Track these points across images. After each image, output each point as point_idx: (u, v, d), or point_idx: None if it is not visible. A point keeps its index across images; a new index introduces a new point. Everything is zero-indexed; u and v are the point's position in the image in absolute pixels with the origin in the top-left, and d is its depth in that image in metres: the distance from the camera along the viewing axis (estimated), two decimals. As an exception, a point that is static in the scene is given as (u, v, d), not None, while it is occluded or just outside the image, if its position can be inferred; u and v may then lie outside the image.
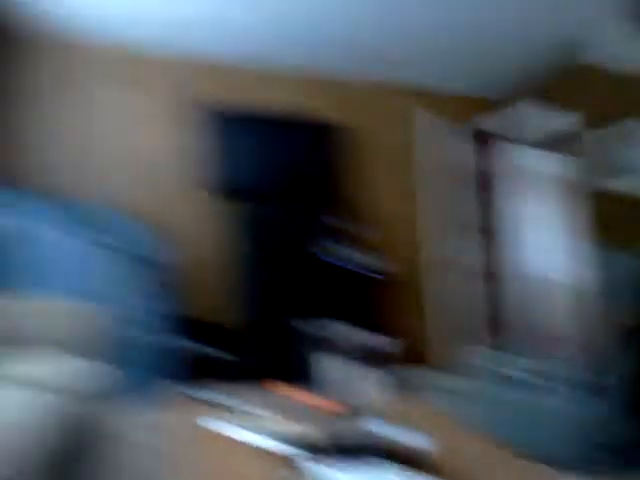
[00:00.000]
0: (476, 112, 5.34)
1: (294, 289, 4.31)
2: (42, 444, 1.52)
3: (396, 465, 1.35)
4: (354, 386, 1.57)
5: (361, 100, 4.99)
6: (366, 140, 4.97)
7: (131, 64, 4.48)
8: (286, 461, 1.38)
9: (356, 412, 1.58)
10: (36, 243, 3.41)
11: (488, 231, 5.26)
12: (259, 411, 1.76)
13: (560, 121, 4.70)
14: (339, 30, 4.07)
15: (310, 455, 1.39)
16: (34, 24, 4.09)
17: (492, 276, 5.20)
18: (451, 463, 1.42)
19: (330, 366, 1.59)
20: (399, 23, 3.93)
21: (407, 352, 4.80)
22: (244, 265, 4.31)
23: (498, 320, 5.15)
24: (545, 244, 5.19)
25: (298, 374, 4.13)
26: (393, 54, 4.45)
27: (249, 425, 1.63)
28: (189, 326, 4.36)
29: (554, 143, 5.00)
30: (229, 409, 1.79)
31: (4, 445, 1.37)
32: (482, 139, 5.31)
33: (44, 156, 4.26)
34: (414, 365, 4.77)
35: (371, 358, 1.62)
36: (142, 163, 4.43)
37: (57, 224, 3.47)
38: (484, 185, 5.29)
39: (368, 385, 1.57)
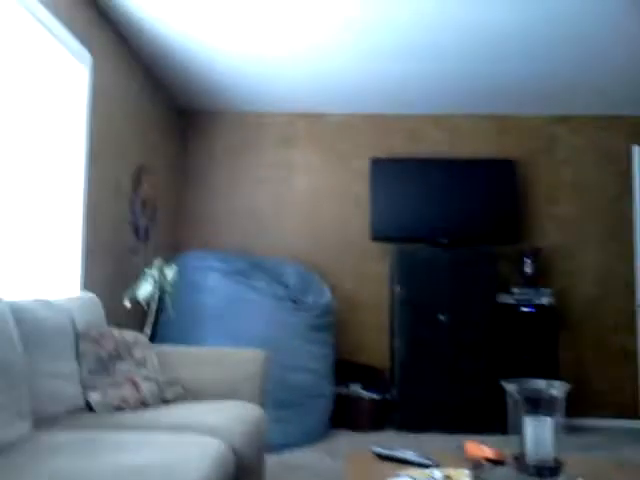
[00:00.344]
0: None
1: (461, 329, 4.24)
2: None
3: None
4: (544, 441, 1.53)
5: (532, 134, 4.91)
6: (536, 174, 4.87)
7: (305, 125, 4.93)
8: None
9: (547, 469, 1.54)
10: (210, 294, 3.61)
11: None
12: (433, 463, 1.80)
13: None
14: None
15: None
16: (213, 101, 4.72)
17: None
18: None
19: (522, 420, 1.55)
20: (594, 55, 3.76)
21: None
22: (403, 307, 4.28)
23: None
24: None
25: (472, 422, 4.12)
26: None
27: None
28: (349, 369, 4.41)
29: None
30: (407, 462, 1.83)
31: None
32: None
33: (225, 218, 4.87)
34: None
35: (551, 407, 1.56)
36: (314, 214, 4.86)
37: (229, 276, 3.67)
38: None
39: (555, 440, 1.54)
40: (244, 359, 2.64)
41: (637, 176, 4.75)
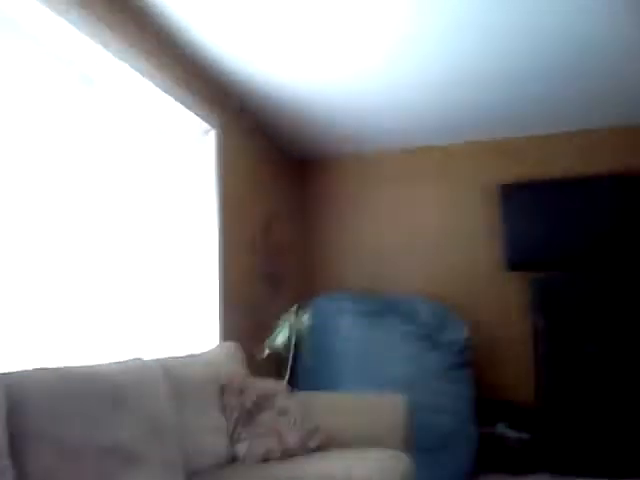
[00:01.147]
0: None
1: (613, 360, 3.91)
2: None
3: None
4: None
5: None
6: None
7: (425, 158, 4.90)
8: None
9: None
10: (344, 337, 3.75)
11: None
12: None
13: None
14: None
15: None
16: (331, 145, 4.85)
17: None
18: None
19: None
20: None
21: None
22: (547, 339, 4.06)
23: None
24: None
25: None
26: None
27: None
28: (493, 408, 4.32)
29: None
30: None
31: None
32: None
33: (352, 259, 4.91)
34: None
35: None
36: (442, 248, 4.78)
37: (358, 318, 3.78)
38: None
39: None
40: (385, 404, 2.58)
41: None
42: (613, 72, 3.56)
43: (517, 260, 4.35)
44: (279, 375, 3.69)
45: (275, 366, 3.82)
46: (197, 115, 3.11)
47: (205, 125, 3.22)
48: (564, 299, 4.00)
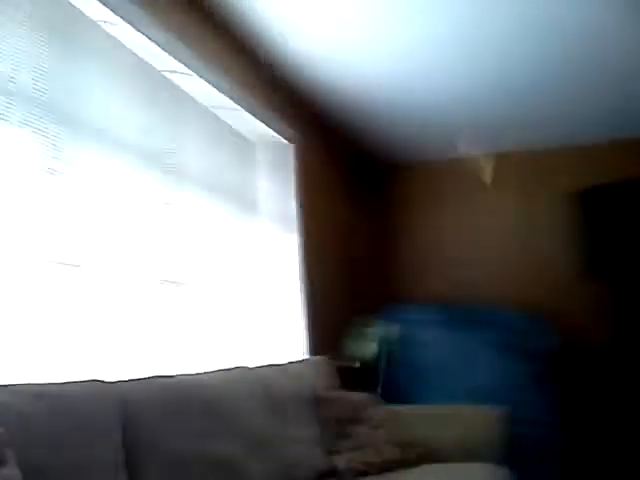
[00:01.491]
0: None
1: None
2: None
3: None
4: None
5: None
6: None
7: (503, 164, 4.76)
8: None
9: None
10: (430, 348, 3.75)
11: None
12: None
13: None
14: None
15: None
16: (409, 152, 4.79)
17: None
18: None
19: None
20: None
21: None
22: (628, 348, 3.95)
23: None
24: None
25: None
26: None
27: None
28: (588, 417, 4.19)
29: None
30: None
31: None
32: None
33: (433, 268, 4.82)
34: None
35: None
36: (522, 255, 4.66)
37: (441, 328, 3.77)
38: None
39: None
40: (479, 417, 2.51)
41: None
42: None
43: (598, 266, 4.13)
44: (366, 388, 3.66)
45: (362, 378, 3.79)
46: (276, 130, 3.14)
47: (283, 137, 3.25)
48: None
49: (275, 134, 3.18)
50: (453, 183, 4.86)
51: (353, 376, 3.63)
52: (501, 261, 4.65)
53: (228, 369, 2.07)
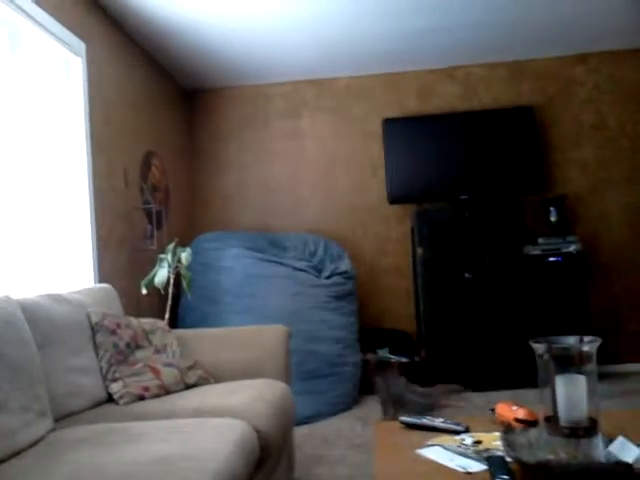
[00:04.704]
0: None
1: (487, 285, 4.13)
2: (232, 471, 1.55)
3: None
4: (577, 400, 1.46)
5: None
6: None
7: (313, 92, 4.80)
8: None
9: (581, 429, 1.47)
10: (228, 273, 3.61)
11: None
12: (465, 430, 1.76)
13: None
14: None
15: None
16: (216, 78, 4.62)
17: None
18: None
19: (552, 380, 1.48)
20: None
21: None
22: (427, 268, 4.18)
23: None
24: None
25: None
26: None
27: (455, 447, 1.62)
28: (377, 336, 4.39)
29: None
30: (436, 429, 1.79)
31: (200, 473, 1.41)
32: None
33: (238, 195, 4.78)
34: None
35: (583, 363, 1.48)
36: (330, 182, 4.76)
37: (246, 253, 3.65)
38: None
39: (588, 395, 1.46)
40: (266, 336, 2.59)
41: (661, 110, 4.53)
42: (495, 6, 3.62)
43: (399, 193, 4.47)
44: (161, 315, 3.63)
45: (159, 305, 3.74)
46: (60, 39, 2.84)
47: (71, 49, 2.96)
48: (443, 230, 4.17)
49: (63, 46, 2.87)
50: (262, 110, 4.84)
51: (148, 304, 3.57)
52: (307, 190, 4.78)
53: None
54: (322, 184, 4.77)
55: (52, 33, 2.78)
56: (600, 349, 1.55)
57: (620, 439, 1.44)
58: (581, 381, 1.50)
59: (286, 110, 4.81)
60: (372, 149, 4.74)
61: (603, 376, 4.20)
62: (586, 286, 4.16)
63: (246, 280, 3.66)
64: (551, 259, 4.15)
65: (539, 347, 1.55)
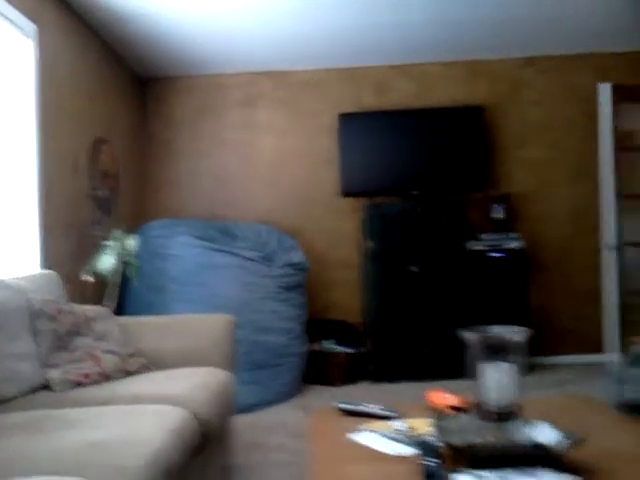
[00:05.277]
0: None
1: (431, 279, 4.22)
2: (168, 456, 1.56)
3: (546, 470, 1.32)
4: (504, 387, 1.51)
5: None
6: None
7: (268, 84, 4.77)
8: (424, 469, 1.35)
9: (507, 414, 1.53)
10: (176, 261, 3.55)
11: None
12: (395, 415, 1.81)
13: None
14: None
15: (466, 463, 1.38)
16: (171, 66, 4.57)
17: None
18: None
19: (480, 367, 1.54)
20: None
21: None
22: (375, 261, 4.23)
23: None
24: None
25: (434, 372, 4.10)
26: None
27: (388, 432, 1.66)
28: (323, 327, 4.40)
29: None
30: (371, 415, 1.83)
31: (134, 458, 1.42)
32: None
33: (190, 184, 4.76)
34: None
35: (511, 352, 1.54)
36: (283, 175, 4.75)
37: (195, 242, 3.60)
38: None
39: (514, 383, 1.52)
40: (210, 325, 2.60)
41: (603, 114, 4.71)
42: (450, 5, 3.69)
43: (351, 187, 4.52)
44: (108, 302, 3.58)
45: (103, 293, 3.69)
46: (10, 20, 2.76)
47: (21, 31, 2.88)
48: (392, 224, 4.24)
49: (13, 26, 2.79)
50: (216, 100, 4.81)
51: (94, 291, 3.52)
52: (260, 181, 4.78)
53: None
54: (275, 176, 4.78)
55: (1, 13, 2.71)
56: (536, 342, 1.64)
57: (542, 423, 1.52)
58: (509, 369, 1.57)
59: (241, 101, 4.79)
60: (326, 143, 4.76)
61: (537, 367, 4.36)
62: (526, 282, 4.31)
63: (194, 269, 3.65)
64: (493, 255, 4.27)
65: (470, 336, 1.61)
